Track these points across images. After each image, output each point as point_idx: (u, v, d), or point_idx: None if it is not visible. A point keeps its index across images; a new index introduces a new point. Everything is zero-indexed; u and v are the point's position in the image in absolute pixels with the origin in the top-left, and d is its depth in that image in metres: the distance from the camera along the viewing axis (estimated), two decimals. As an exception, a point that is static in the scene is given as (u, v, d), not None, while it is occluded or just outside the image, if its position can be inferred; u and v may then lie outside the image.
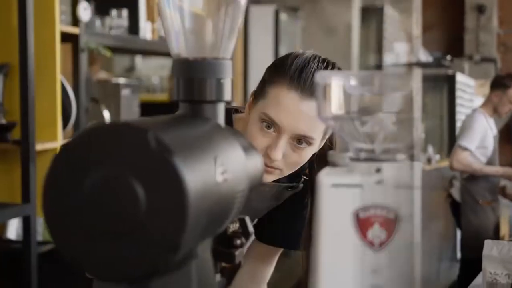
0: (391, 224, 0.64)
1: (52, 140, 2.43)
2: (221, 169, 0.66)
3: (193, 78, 0.75)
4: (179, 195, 0.58)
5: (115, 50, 3.15)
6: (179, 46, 0.77)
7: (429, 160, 5.21)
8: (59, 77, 2.44)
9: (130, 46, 3.17)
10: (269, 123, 1.22)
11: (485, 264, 1.91)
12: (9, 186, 2.39)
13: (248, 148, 0.81)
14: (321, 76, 0.68)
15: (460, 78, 6.59)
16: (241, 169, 0.73)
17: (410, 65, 5.53)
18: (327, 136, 1.30)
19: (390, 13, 7.03)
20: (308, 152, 1.26)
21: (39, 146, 2.34)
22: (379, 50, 6.95)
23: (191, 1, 0.76)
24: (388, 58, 5.46)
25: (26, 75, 2.28)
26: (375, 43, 6.88)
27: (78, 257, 0.60)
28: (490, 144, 4.20)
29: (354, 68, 5.74)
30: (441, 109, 6.41)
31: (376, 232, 0.64)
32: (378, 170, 0.66)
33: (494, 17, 9.20)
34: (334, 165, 0.74)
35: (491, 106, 4.24)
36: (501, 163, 4.40)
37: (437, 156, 5.58)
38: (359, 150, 0.69)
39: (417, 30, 5.70)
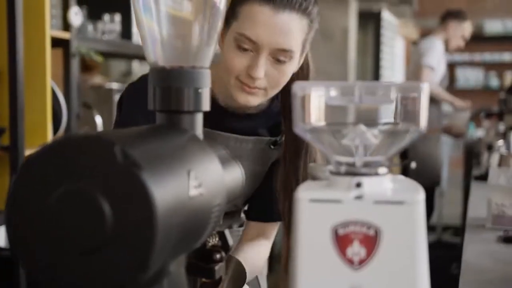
0: (371, 241, 0.62)
1: (42, 146, 2.40)
2: (195, 183, 0.64)
3: (170, 87, 0.72)
4: (146, 211, 0.55)
5: (107, 55, 3.12)
6: (156, 54, 0.74)
7: None
8: (49, 82, 2.41)
9: (122, 51, 3.14)
10: (246, 43, 1.20)
11: (491, 194, 1.80)
12: (-2, 193, 2.37)
13: (227, 159, 0.79)
14: (299, 87, 0.66)
15: (386, 16, 6.69)
16: (218, 182, 0.70)
17: None
18: (305, 51, 1.28)
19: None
20: (289, 68, 1.23)
21: (28, 153, 2.31)
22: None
23: (168, 8, 0.74)
24: None
25: (15, 81, 2.25)
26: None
27: (42, 274, 0.58)
28: (442, 69, 4.35)
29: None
30: (365, 45, 6.56)
31: (355, 249, 0.62)
32: (359, 185, 0.64)
33: None
34: (314, 178, 0.71)
35: (443, 37, 4.36)
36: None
37: None
38: (339, 163, 0.66)
39: None
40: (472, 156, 4.38)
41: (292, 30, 1.19)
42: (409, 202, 0.62)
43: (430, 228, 5.32)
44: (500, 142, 2.94)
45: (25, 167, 0.58)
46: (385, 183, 0.65)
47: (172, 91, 0.72)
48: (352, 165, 0.66)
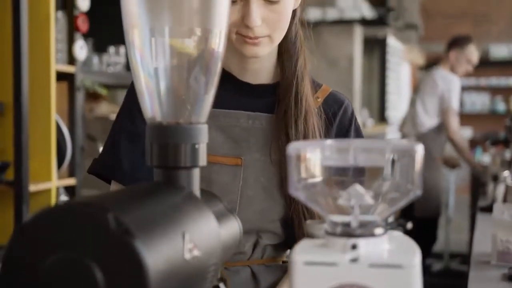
0: (367, 305, 0.61)
1: (46, 180, 2.41)
2: (190, 245, 0.63)
3: (167, 143, 0.72)
4: (140, 279, 0.55)
5: (113, 86, 3.14)
6: (153, 110, 0.74)
7: (363, 125, 5.35)
8: (54, 116, 2.42)
9: (127, 83, 3.15)
10: None
11: (496, 229, 1.76)
12: (2, 227, 2.36)
13: (223, 213, 0.79)
14: (293, 148, 0.66)
15: (391, 42, 6.71)
16: (214, 241, 0.70)
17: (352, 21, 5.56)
18: None
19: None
20: (285, 6, 1.15)
21: (32, 187, 2.31)
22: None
23: (165, 63, 0.74)
24: (331, 12, 5.48)
25: (20, 115, 2.26)
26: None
27: None
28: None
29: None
30: (371, 71, 6.59)
31: (351, 314, 0.61)
32: (354, 247, 0.63)
33: None
34: (310, 236, 0.71)
35: (449, 66, 4.35)
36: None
37: (371, 120, 5.76)
38: (335, 223, 0.66)
39: None
40: (478, 184, 4.36)
41: None
42: (405, 265, 0.61)
43: (437, 256, 5.28)
44: (506, 173, 2.92)
45: (19, 232, 0.58)
46: (381, 245, 0.64)
47: (169, 147, 0.72)
48: (347, 225, 0.66)
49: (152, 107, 0.74)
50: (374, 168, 0.66)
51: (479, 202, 3.35)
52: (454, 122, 4.21)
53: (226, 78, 1.24)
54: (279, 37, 1.17)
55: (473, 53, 4.40)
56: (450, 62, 4.34)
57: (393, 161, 0.66)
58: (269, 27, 1.14)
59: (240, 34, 1.15)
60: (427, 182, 4.18)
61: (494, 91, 9.82)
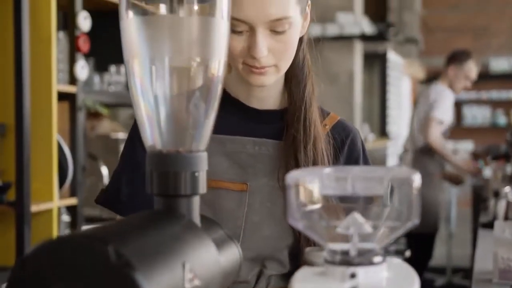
0: (366, 335, 0.61)
1: (48, 200, 2.42)
2: (190, 275, 0.64)
3: (168, 171, 0.73)
4: (140, 311, 0.55)
5: (114, 105, 3.15)
6: (153, 138, 0.75)
7: (364, 140, 5.35)
8: (55, 136, 2.43)
9: (128, 102, 3.17)
10: (238, 26, 1.10)
11: (497, 248, 1.75)
12: (3, 248, 2.37)
13: (224, 240, 0.79)
14: (292, 177, 0.66)
15: (391, 56, 6.72)
16: (214, 269, 0.70)
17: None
18: (307, 9, 1.20)
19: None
20: (292, 36, 1.14)
21: (34, 208, 2.32)
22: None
23: (165, 92, 0.75)
24: (332, 28, 5.50)
25: (21, 136, 2.27)
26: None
27: None
28: (450, 120, 4.34)
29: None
30: (371, 86, 6.60)
31: None
32: (353, 276, 0.64)
33: None
34: (310, 264, 0.71)
35: (447, 81, 4.33)
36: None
37: (372, 135, 5.77)
38: (334, 252, 0.66)
39: (358, 0, 5.73)
40: (479, 199, 4.35)
41: None
42: (404, 294, 0.62)
43: (440, 271, 5.28)
44: (507, 189, 2.92)
45: (20, 265, 0.59)
46: (380, 273, 0.65)
47: (169, 176, 0.73)
48: (346, 253, 0.66)
49: (152, 135, 0.75)
50: (373, 196, 0.67)
51: (481, 218, 3.35)
52: (433, 130, 4.18)
53: (233, 103, 1.25)
54: (285, 66, 1.17)
55: (471, 69, 4.40)
56: (449, 77, 4.35)
57: (391, 190, 0.66)
58: (276, 57, 1.14)
59: (247, 64, 1.14)
60: (424, 198, 4.16)
61: (495, 104, 9.84)
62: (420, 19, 9.70)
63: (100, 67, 2.95)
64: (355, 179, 0.66)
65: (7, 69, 2.37)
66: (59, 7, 2.61)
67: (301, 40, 1.22)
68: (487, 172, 5.23)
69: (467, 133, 9.97)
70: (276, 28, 1.11)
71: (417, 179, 0.65)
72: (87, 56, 2.73)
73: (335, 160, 1.24)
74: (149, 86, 0.74)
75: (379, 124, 7.02)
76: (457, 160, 4.50)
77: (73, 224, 2.63)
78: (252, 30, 1.11)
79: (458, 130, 9.92)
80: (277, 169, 1.20)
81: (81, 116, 2.61)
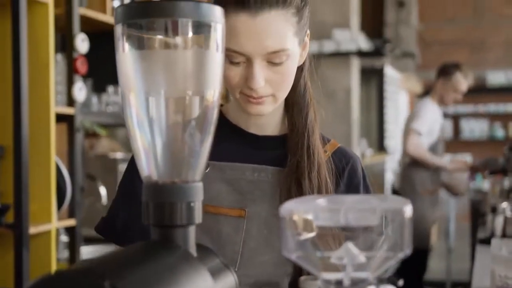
0: None
1: (46, 222, 2.42)
2: (186, 307, 0.65)
3: (164, 202, 0.74)
4: None
5: (112, 125, 3.17)
6: (149, 169, 0.76)
7: (362, 155, 5.33)
8: (53, 158, 2.44)
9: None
10: (235, 57, 1.11)
11: (494, 266, 1.75)
12: (2, 271, 2.37)
13: (220, 269, 0.80)
14: (285, 208, 0.67)
15: (388, 71, 6.75)
16: (210, 300, 0.71)
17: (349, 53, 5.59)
18: (305, 40, 1.20)
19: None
20: (289, 67, 1.14)
21: (33, 229, 2.32)
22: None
23: (161, 123, 0.76)
24: (328, 45, 5.53)
25: (20, 158, 2.28)
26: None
27: None
28: (436, 132, 4.29)
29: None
30: (368, 101, 6.61)
31: None
32: (347, 306, 0.65)
33: (414, 11, 9.46)
34: (305, 293, 0.72)
35: (438, 95, 4.33)
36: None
37: (370, 150, 5.77)
38: (327, 282, 0.67)
39: (355, 16, 5.75)
40: (478, 214, 4.35)
41: (277, 28, 1.12)
42: (396, 324, 0.63)
43: (440, 285, 5.27)
44: (504, 204, 2.92)
45: (19, 300, 0.59)
46: (373, 302, 0.66)
47: (165, 206, 0.74)
48: (340, 283, 0.67)
49: (148, 166, 0.76)
50: (366, 227, 0.68)
51: (479, 234, 3.35)
52: (410, 140, 4.16)
53: (233, 130, 1.26)
54: (283, 95, 1.18)
55: (459, 81, 4.38)
56: (438, 91, 4.35)
57: (384, 220, 0.67)
58: (273, 87, 1.15)
59: (244, 93, 1.15)
60: (416, 213, 4.14)
61: (493, 117, 9.87)
62: (417, 33, 9.75)
63: (98, 87, 2.97)
64: (348, 210, 0.67)
65: (6, 91, 2.39)
66: (57, 29, 2.63)
67: (302, 67, 1.23)
68: (486, 185, 5.23)
69: (465, 147, 9.99)
70: (273, 59, 1.12)
71: (408, 210, 0.66)
72: (85, 77, 2.75)
73: (336, 187, 1.25)
74: (145, 118, 0.75)
75: (377, 139, 7.03)
76: (443, 161, 4.44)
77: (72, 244, 2.63)
78: (249, 61, 1.12)
79: (456, 143, 9.95)
80: (276, 195, 1.20)
81: (79, 138, 2.62)
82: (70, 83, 2.60)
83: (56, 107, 2.50)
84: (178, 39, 0.77)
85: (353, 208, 0.67)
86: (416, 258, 4.22)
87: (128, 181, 1.25)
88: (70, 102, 2.61)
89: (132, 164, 1.25)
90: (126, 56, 0.76)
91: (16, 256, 2.25)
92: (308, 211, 0.68)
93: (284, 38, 1.12)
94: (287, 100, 1.24)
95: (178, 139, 0.77)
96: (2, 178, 2.37)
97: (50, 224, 2.43)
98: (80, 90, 2.61)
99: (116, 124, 3.28)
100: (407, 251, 0.67)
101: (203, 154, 0.77)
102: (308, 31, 1.22)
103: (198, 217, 0.75)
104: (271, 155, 1.25)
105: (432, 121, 4.25)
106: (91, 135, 3.47)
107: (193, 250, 0.75)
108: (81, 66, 2.60)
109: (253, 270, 1.18)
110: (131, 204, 1.21)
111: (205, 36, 0.76)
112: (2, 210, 2.29)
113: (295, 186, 1.19)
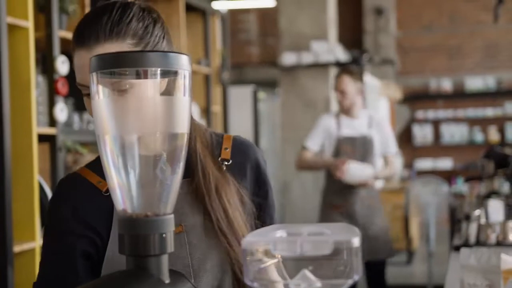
0: None
1: (30, 240, 2.47)
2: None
3: (138, 234, 0.81)
4: None
5: (94, 143, 3.22)
6: (124, 203, 0.83)
7: None
8: (36, 177, 2.50)
9: (108, 138, 3.23)
10: (85, 89, 1.17)
11: (463, 274, 1.77)
12: (-13, 289, 2.42)
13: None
14: (246, 241, 0.75)
15: (367, 79, 6.85)
16: (180, 324, 0.78)
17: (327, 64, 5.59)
18: None
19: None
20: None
21: (17, 248, 2.38)
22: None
23: (134, 163, 0.83)
24: (306, 56, 5.55)
25: (3, 178, 2.34)
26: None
27: None
28: (332, 143, 4.07)
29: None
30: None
31: None
32: (303, 328, 0.72)
33: (392, 19, 9.62)
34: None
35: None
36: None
37: None
38: (286, 307, 0.75)
39: (332, 28, 5.82)
40: (454, 220, 4.43)
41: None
42: None
43: (421, 290, 5.36)
44: (477, 212, 3.00)
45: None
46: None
47: (139, 238, 0.81)
48: (299, 308, 0.74)
49: (123, 201, 0.83)
50: (320, 256, 0.75)
51: (454, 240, 3.43)
52: (299, 156, 4.11)
53: None
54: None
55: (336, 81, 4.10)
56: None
57: (335, 251, 0.75)
58: None
59: None
60: (373, 224, 4.10)
61: (472, 122, 10.02)
62: (396, 40, 9.88)
63: (79, 106, 3.03)
64: (303, 242, 0.74)
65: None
66: (38, 51, 2.69)
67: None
68: (465, 188, 5.32)
69: (445, 151, 10.13)
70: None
71: (356, 240, 0.74)
72: (66, 97, 2.81)
73: (242, 184, 1.30)
74: (119, 157, 0.82)
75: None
76: (321, 159, 4.10)
77: (56, 261, 2.68)
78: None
79: (436, 148, 10.08)
80: (199, 204, 1.27)
81: (61, 157, 2.68)
82: (51, 104, 2.66)
83: (38, 127, 2.56)
84: (148, 86, 0.84)
85: (308, 240, 0.75)
86: (382, 269, 4.22)
87: (57, 234, 1.24)
88: (52, 122, 2.67)
89: (58, 208, 1.25)
90: (101, 102, 0.83)
91: (1, 274, 2.30)
92: (267, 244, 0.75)
93: None
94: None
95: (150, 176, 0.84)
96: (-14, 198, 2.42)
97: (34, 242, 2.48)
98: (61, 111, 2.67)
99: (98, 141, 3.34)
100: (356, 277, 0.74)
101: (174, 188, 0.85)
102: None
103: (170, 246, 0.83)
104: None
105: (325, 134, 4.08)
106: (74, 150, 3.52)
107: (165, 277, 0.82)
108: (62, 87, 2.66)
109: (206, 278, 1.25)
110: (58, 258, 1.22)
111: (172, 83, 0.83)
112: (-14, 230, 2.34)
113: (205, 203, 1.26)
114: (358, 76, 4.04)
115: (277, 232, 0.78)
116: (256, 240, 0.75)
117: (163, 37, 1.23)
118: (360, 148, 4.05)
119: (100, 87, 0.83)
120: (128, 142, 0.83)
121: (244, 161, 1.33)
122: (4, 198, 2.34)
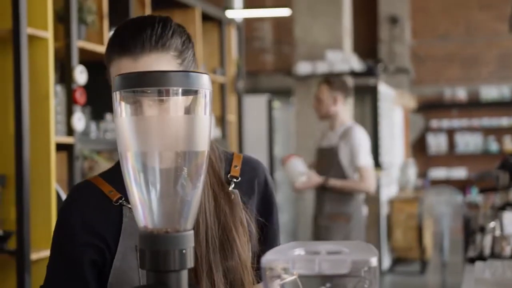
0: None
1: (47, 248, 2.50)
2: None
3: (159, 250, 0.83)
4: None
5: (111, 151, 3.25)
6: (146, 220, 0.85)
7: None
8: (54, 186, 2.53)
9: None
10: None
11: None
12: (5, 297, 2.45)
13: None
14: (265, 260, 0.76)
15: (382, 88, 6.83)
16: None
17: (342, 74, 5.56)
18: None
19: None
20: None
21: (34, 255, 2.40)
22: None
23: (155, 180, 0.85)
24: (321, 66, 5.55)
25: (21, 186, 2.37)
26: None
27: None
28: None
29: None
30: (363, 118, 6.69)
31: None
32: None
33: (407, 28, 9.58)
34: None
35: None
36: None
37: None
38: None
39: (347, 37, 5.80)
40: (469, 231, 4.41)
41: (159, 69, 1.18)
42: None
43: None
44: (492, 224, 2.99)
45: None
46: None
47: (160, 254, 0.83)
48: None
49: (144, 217, 0.85)
50: (338, 275, 0.77)
51: (469, 252, 3.42)
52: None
53: None
54: None
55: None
56: None
57: (353, 269, 0.76)
58: None
59: None
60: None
61: (486, 131, 9.98)
62: (410, 49, 9.87)
63: (96, 115, 3.06)
64: (321, 260, 0.76)
65: (8, 122, 2.48)
66: (56, 60, 2.73)
67: None
68: (479, 198, 5.30)
69: (460, 161, 10.09)
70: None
71: (374, 260, 0.75)
72: (83, 106, 2.84)
73: (250, 202, 1.31)
74: (141, 174, 0.84)
75: (372, 155, 7.11)
76: (305, 181, 4.05)
77: (72, 268, 2.70)
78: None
79: (450, 157, 10.04)
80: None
81: (78, 166, 2.71)
82: (69, 113, 2.70)
83: (56, 136, 2.59)
84: (170, 105, 0.86)
85: (326, 259, 0.76)
86: None
87: (65, 242, 1.25)
88: (70, 131, 2.70)
89: (67, 215, 1.26)
90: (123, 120, 0.85)
91: (18, 281, 2.33)
92: (286, 263, 0.76)
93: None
94: None
95: (171, 193, 0.86)
96: (5, 206, 2.45)
97: (51, 250, 2.51)
98: (79, 120, 2.70)
99: (115, 149, 3.37)
100: (374, 297, 0.75)
101: (194, 203, 0.86)
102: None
103: (190, 261, 0.84)
104: None
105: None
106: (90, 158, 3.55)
107: (186, 294, 0.84)
108: (80, 97, 2.69)
109: None
110: (71, 269, 1.23)
111: (193, 101, 0.85)
112: (4, 237, 2.37)
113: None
114: (337, 86, 3.99)
115: (295, 250, 0.79)
116: (275, 258, 0.77)
117: (194, 54, 1.27)
118: (323, 159, 4.05)
119: (123, 105, 0.85)
120: (149, 159, 0.85)
121: (252, 179, 1.34)
122: (23, 206, 2.37)
